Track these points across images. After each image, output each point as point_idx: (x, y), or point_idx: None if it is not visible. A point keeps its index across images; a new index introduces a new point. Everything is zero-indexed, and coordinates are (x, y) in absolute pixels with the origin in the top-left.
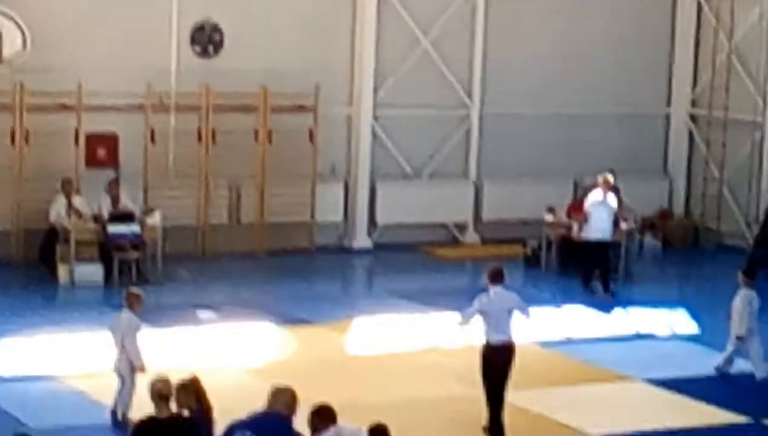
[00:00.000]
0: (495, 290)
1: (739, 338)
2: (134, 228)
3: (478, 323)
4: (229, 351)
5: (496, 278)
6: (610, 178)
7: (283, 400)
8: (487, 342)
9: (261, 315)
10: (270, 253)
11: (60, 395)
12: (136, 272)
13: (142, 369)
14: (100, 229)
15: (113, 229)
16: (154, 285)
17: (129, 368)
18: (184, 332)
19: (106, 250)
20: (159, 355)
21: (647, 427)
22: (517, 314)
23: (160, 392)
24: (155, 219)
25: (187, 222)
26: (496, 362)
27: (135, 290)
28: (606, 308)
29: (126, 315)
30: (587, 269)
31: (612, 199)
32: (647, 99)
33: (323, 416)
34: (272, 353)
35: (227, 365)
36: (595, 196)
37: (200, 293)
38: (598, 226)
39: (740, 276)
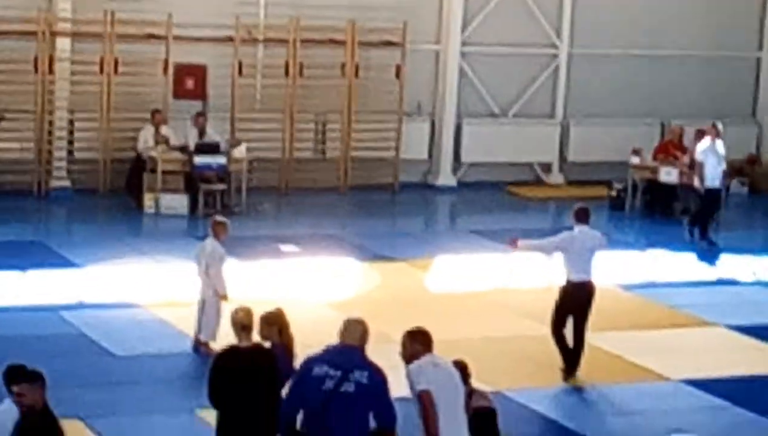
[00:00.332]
0: (580, 229)
1: None
2: (220, 160)
3: (559, 262)
4: (310, 285)
5: (582, 216)
6: (719, 125)
7: (356, 333)
8: (568, 280)
9: (343, 250)
10: (353, 188)
11: (144, 323)
12: (220, 204)
13: (225, 298)
14: (187, 159)
15: (199, 160)
16: (238, 217)
17: (213, 296)
18: (266, 265)
19: (192, 181)
20: (241, 286)
21: (728, 373)
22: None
23: (242, 322)
24: (241, 151)
25: (273, 155)
26: (575, 300)
27: (220, 218)
28: (699, 253)
29: (210, 243)
30: (704, 218)
31: (720, 147)
32: (738, 41)
33: (421, 340)
34: (354, 287)
35: (308, 298)
36: (704, 145)
37: (283, 226)
38: (710, 173)
39: None
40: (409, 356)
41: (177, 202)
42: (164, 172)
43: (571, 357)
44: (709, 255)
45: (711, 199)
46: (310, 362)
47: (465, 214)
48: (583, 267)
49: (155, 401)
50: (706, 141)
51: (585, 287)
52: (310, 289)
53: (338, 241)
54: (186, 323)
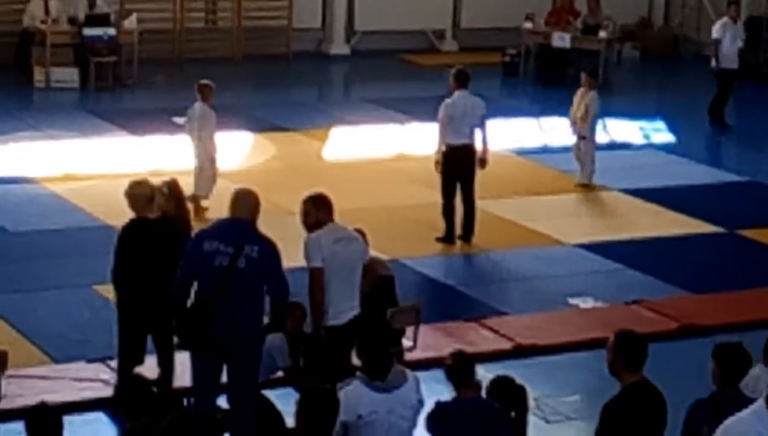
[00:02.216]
0: (459, 93)
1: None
2: (110, 31)
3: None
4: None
5: (461, 80)
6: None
7: (247, 205)
8: (448, 144)
9: (237, 121)
10: (246, 58)
11: (37, 198)
12: (112, 76)
13: (213, 160)
14: (76, 32)
15: (89, 32)
16: (130, 89)
17: (206, 156)
18: (160, 138)
19: (82, 53)
20: (135, 160)
21: (621, 236)
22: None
23: (146, 195)
24: (131, 22)
25: (164, 26)
26: (456, 164)
27: (206, 81)
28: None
29: (200, 106)
30: (720, 103)
31: (740, 27)
32: None
33: (326, 208)
34: (249, 158)
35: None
36: (722, 21)
37: (176, 98)
38: (726, 52)
39: (585, 78)
40: (312, 224)
41: (67, 76)
42: (53, 45)
43: (463, 224)
44: (600, 120)
45: (725, 81)
46: (200, 237)
47: (359, 83)
48: (462, 131)
49: (50, 276)
50: (724, 19)
51: (465, 150)
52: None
53: (232, 112)
54: (80, 197)
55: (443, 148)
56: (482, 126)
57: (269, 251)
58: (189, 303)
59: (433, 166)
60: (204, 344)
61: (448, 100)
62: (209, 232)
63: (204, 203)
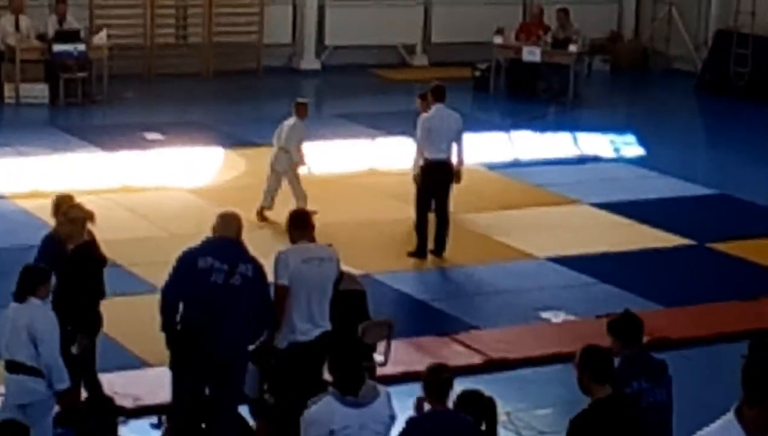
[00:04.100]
0: (436, 107)
1: None
2: (80, 47)
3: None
4: (176, 173)
5: (438, 94)
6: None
7: (233, 226)
8: (426, 159)
9: (208, 137)
10: (217, 74)
11: (8, 215)
12: (81, 92)
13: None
14: (46, 48)
15: (59, 48)
16: (100, 105)
17: (287, 165)
18: (131, 154)
19: (52, 69)
20: (105, 176)
21: (593, 250)
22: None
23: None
24: (101, 38)
25: (134, 41)
26: (433, 179)
27: (302, 99)
28: (561, 132)
29: (293, 120)
30: None
31: None
32: None
33: (296, 224)
34: (220, 174)
35: (174, 185)
36: None
37: (146, 113)
38: None
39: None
40: (290, 240)
41: (37, 92)
42: (23, 62)
43: (435, 238)
44: (572, 134)
45: None
46: (192, 254)
47: (330, 98)
48: (440, 146)
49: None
50: None
51: (442, 166)
52: (175, 177)
53: (203, 127)
54: (49, 214)
55: (420, 163)
56: (459, 140)
57: (261, 273)
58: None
59: (412, 180)
60: (197, 362)
61: (426, 115)
62: (201, 249)
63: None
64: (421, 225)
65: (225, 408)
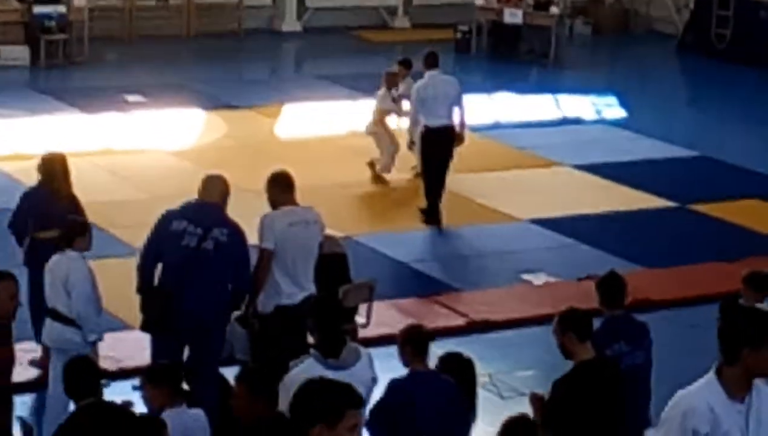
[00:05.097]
0: (430, 74)
1: None
2: (60, 9)
3: (413, 110)
4: (157, 135)
5: (431, 61)
6: None
7: (216, 190)
8: (425, 126)
9: (189, 99)
10: (198, 35)
11: None
12: (62, 54)
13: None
14: (26, 9)
15: (39, 9)
16: (80, 67)
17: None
18: (112, 116)
19: (32, 31)
20: (86, 138)
21: (574, 212)
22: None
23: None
24: (81, 0)
25: (114, 3)
26: (433, 145)
27: (390, 69)
28: (542, 94)
29: (381, 91)
30: None
31: None
32: None
33: (280, 186)
34: (201, 137)
35: (155, 148)
36: None
37: (127, 75)
38: None
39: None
40: (271, 203)
41: (18, 53)
42: (3, 23)
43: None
44: (553, 96)
45: None
46: (168, 217)
47: (311, 60)
48: (437, 112)
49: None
50: None
51: (443, 132)
52: (156, 139)
53: (184, 89)
54: (30, 176)
55: (422, 130)
56: (459, 104)
57: (238, 238)
58: (156, 282)
59: (407, 147)
60: (168, 324)
61: (419, 82)
62: (178, 212)
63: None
64: (430, 192)
65: (204, 370)
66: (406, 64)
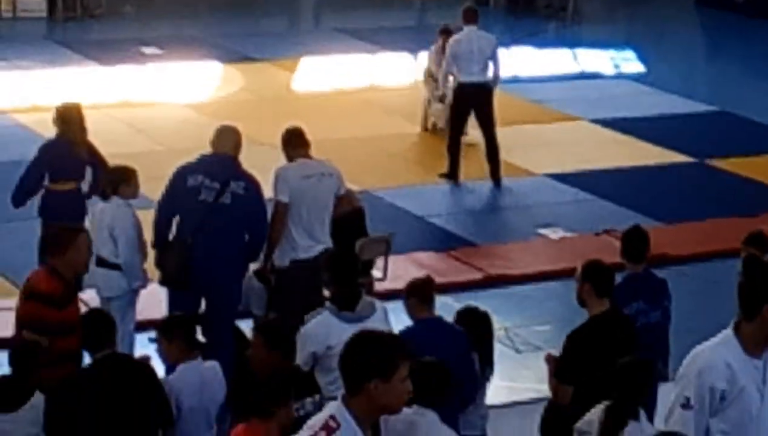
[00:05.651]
0: (468, 29)
1: None
2: None
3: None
4: (174, 88)
5: (469, 17)
6: None
7: (230, 142)
8: (459, 82)
9: (206, 51)
10: None
11: (5, 129)
12: (80, 5)
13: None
14: None
15: None
16: (98, 19)
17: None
18: (128, 68)
19: None
20: (103, 90)
21: (591, 166)
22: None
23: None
24: None
25: None
26: (466, 101)
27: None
28: (561, 48)
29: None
30: None
31: None
32: None
33: (294, 142)
34: (218, 89)
35: (172, 101)
36: None
37: (144, 28)
38: None
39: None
40: (286, 157)
41: (35, 5)
42: None
43: (488, 161)
44: (572, 50)
45: None
46: (183, 172)
47: (330, 13)
48: (470, 69)
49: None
50: None
51: (475, 88)
52: (173, 92)
53: (201, 42)
54: (48, 128)
55: (455, 86)
56: (494, 60)
57: (254, 190)
58: (171, 237)
59: (438, 99)
60: (185, 278)
61: (455, 37)
62: (193, 167)
63: None
64: (453, 147)
65: (220, 323)
66: (446, 33)
